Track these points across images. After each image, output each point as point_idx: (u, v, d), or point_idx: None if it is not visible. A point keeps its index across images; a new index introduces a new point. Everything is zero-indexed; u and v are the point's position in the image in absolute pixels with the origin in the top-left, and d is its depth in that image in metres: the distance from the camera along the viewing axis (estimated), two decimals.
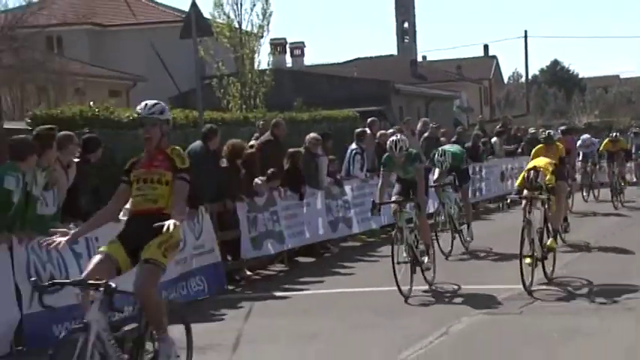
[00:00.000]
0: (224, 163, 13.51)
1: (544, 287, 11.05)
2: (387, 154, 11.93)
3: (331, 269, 13.78)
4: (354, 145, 17.74)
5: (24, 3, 11.72)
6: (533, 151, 14.35)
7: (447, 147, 16.21)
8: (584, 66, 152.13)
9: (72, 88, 26.77)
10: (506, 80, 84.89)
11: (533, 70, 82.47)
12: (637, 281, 10.98)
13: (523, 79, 71.28)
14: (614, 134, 23.69)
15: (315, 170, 15.86)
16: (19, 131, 11.84)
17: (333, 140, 17.49)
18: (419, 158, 12.24)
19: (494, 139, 25.06)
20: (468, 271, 12.91)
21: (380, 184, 11.93)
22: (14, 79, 22.54)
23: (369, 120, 19.68)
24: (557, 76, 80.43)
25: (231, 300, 11.59)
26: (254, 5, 26.13)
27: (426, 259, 11.51)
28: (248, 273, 13.32)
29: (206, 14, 23.98)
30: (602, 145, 23.14)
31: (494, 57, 76.23)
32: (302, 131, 17.91)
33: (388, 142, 11.85)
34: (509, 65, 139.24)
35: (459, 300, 10.65)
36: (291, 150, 15.28)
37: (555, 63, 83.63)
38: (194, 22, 15.30)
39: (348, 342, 8.83)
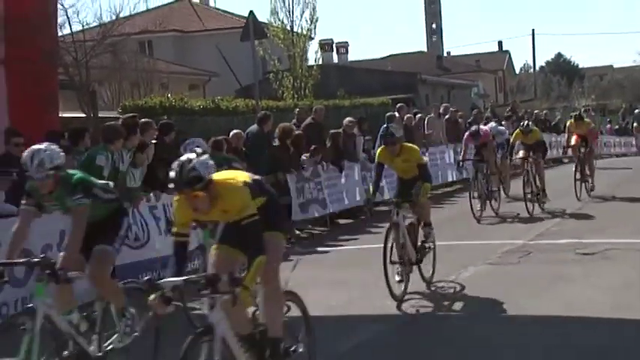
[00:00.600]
0: (276, 142, 13.59)
1: (539, 241, 10.96)
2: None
3: (365, 229, 13.75)
4: (385, 126, 17.64)
5: (114, 17, 12.02)
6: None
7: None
8: (583, 57, 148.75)
9: (158, 83, 26.99)
10: (517, 70, 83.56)
11: (540, 62, 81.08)
12: (614, 236, 10.85)
13: (532, 70, 70.39)
14: (525, 123, 15.42)
15: (352, 148, 15.89)
16: (111, 119, 12.06)
17: (369, 122, 17.43)
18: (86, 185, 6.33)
19: (503, 122, 24.83)
20: (475, 229, 12.80)
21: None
22: (112, 77, 22.77)
23: (397, 105, 19.59)
24: (560, 66, 79.03)
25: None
26: (303, 12, 26.21)
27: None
28: (297, 232, 13.40)
29: (264, 19, 24.21)
30: (514, 136, 15.11)
31: (507, 51, 75.19)
32: (343, 115, 17.90)
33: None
34: (521, 58, 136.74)
35: (466, 253, 10.56)
36: (332, 131, 15.29)
37: (559, 55, 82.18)
38: (252, 28, 15.35)
39: (372, 288, 8.79)
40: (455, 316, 7.41)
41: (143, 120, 10.83)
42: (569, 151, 17.40)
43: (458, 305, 7.76)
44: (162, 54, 33.76)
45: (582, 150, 16.02)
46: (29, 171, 5.62)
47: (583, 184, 15.76)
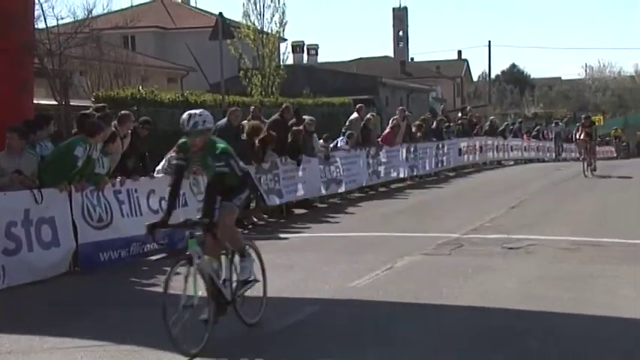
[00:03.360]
0: (244, 137, 13.57)
1: (472, 235, 11.14)
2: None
3: (318, 219, 13.86)
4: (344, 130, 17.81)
5: (105, 11, 12.06)
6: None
7: None
8: (535, 69, 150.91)
9: (138, 76, 26.83)
10: (476, 78, 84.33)
11: (497, 71, 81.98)
12: (540, 233, 11.05)
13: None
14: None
15: (311, 144, 15.96)
16: (83, 107, 12.02)
17: (329, 119, 17.56)
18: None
19: (451, 124, 25.19)
20: (417, 222, 12.95)
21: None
22: (91, 68, 22.61)
23: (357, 105, 19.73)
24: (514, 76, 79.84)
25: None
26: (273, 15, 26.37)
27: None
28: (255, 220, 13.45)
29: (238, 19, 24.14)
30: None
31: (465, 60, 75.81)
32: (306, 113, 18.01)
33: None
34: (479, 66, 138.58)
35: (405, 243, 10.68)
36: (294, 128, 15.35)
37: (513, 66, 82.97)
38: (220, 28, 15.36)
39: (315, 272, 8.96)
40: (382, 300, 7.54)
41: (122, 112, 10.85)
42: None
43: (387, 290, 7.89)
44: (143, 49, 33.63)
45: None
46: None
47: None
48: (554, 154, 32.39)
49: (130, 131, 11.08)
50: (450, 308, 7.14)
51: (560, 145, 32.80)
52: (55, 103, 10.99)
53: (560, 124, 31.78)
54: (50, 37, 10.59)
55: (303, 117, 15.98)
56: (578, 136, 22.12)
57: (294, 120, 15.47)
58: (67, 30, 10.75)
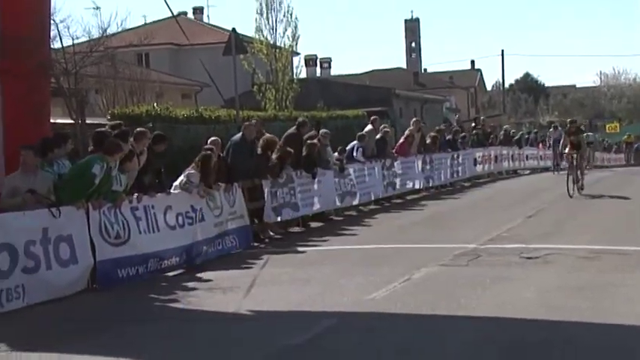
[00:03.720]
0: (259, 151, 13.61)
1: (489, 245, 11.08)
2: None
3: (335, 231, 13.84)
4: (355, 142, 17.82)
5: (120, 29, 12.19)
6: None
7: None
8: (549, 77, 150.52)
9: (152, 92, 27.03)
10: (490, 87, 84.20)
11: (510, 80, 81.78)
12: (558, 242, 10.98)
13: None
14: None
15: (326, 156, 15.98)
16: (99, 125, 12.13)
17: (343, 132, 17.55)
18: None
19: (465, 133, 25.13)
20: (434, 233, 12.89)
21: None
22: (107, 86, 22.82)
23: (371, 117, 19.73)
24: (528, 84, 79.69)
25: (255, 254, 11.66)
26: (285, 30, 26.53)
27: None
28: (271, 233, 13.46)
29: (251, 34, 24.25)
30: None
31: (478, 69, 75.73)
32: (321, 126, 18.04)
33: None
34: (493, 76, 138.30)
35: (422, 255, 10.63)
36: (309, 142, 15.38)
37: (527, 75, 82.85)
38: (233, 44, 15.45)
39: (332, 285, 8.92)
40: (399, 312, 7.51)
41: (138, 129, 10.91)
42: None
43: (404, 302, 7.86)
44: (158, 65, 33.91)
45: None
46: None
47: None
48: (551, 164, 28.33)
49: (145, 148, 11.16)
50: (468, 319, 7.10)
51: (559, 152, 31.31)
52: (71, 121, 11.09)
53: (559, 128, 30.60)
54: (66, 56, 10.71)
55: (324, 130, 16.05)
56: (561, 148, 18.93)
57: (312, 133, 15.52)
58: (83, 49, 10.88)
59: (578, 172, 17.60)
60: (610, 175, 26.00)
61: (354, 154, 17.70)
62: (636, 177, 23.55)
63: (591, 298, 7.63)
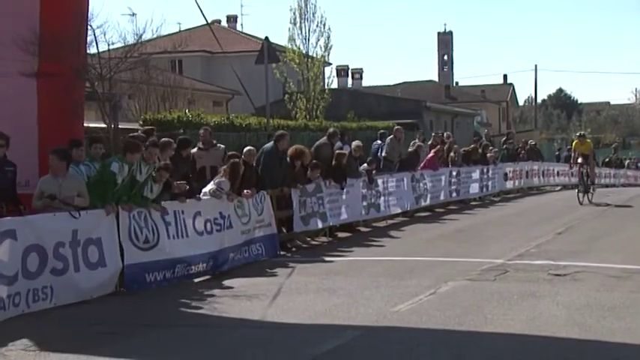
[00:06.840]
0: (288, 160, 13.62)
1: (517, 261, 10.97)
2: None
3: (362, 242, 13.82)
4: (378, 142, 17.80)
5: (155, 36, 12.25)
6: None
7: None
8: (582, 93, 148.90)
9: (184, 99, 27.27)
10: (522, 103, 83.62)
11: (543, 95, 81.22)
12: (588, 260, 10.84)
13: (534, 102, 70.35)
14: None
15: (355, 167, 15.97)
16: (131, 130, 12.26)
17: (372, 143, 17.50)
18: None
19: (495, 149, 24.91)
20: (461, 248, 12.78)
21: None
22: (140, 91, 23.04)
23: (395, 127, 19.55)
24: (561, 100, 79.03)
25: (282, 262, 11.67)
26: (318, 40, 26.59)
27: None
28: (298, 242, 13.45)
29: (284, 43, 24.36)
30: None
31: (511, 84, 75.15)
32: (346, 136, 18.01)
33: None
34: (526, 91, 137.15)
35: (449, 268, 10.57)
36: (338, 152, 15.38)
37: (560, 90, 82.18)
38: (266, 52, 15.52)
39: (358, 296, 8.88)
40: (425, 326, 7.45)
41: (164, 139, 11.02)
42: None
43: (430, 315, 7.80)
44: (190, 72, 34.24)
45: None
46: None
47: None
48: (569, 179, 26.86)
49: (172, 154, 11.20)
50: (495, 335, 7.02)
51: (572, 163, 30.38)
52: (104, 125, 11.23)
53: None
54: (101, 61, 10.85)
55: (357, 142, 16.05)
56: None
57: (339, 144, 15.54)
58: (118, 55, 11.01)
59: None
60: None
61: (380, 154, 17.66)
62: None
63: (622, 317, 7.49)
